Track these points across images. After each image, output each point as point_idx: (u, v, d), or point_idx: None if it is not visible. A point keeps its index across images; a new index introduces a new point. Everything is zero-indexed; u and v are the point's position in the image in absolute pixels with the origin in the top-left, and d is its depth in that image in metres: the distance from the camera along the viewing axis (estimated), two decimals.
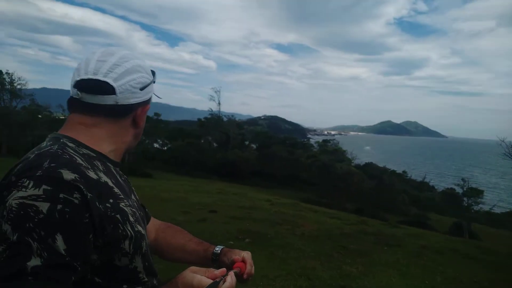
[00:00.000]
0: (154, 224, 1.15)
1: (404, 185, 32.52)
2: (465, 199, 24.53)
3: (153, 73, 0.96)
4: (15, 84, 28.11)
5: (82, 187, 0.68)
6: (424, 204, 28.17)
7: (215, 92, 42.71)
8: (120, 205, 0.78)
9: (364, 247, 6.59)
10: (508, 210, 29.00)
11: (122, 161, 0.95)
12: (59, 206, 0.64)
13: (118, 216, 0.75)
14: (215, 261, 1.04)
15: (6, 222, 0.62)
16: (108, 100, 0.83)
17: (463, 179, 25.27)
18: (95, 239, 0.70)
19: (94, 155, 0.81)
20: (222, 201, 12.14)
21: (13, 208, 0.63)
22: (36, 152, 0.74)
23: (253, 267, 1.00)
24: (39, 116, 30.33)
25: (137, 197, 0.99)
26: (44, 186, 0.65)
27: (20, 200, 0.63)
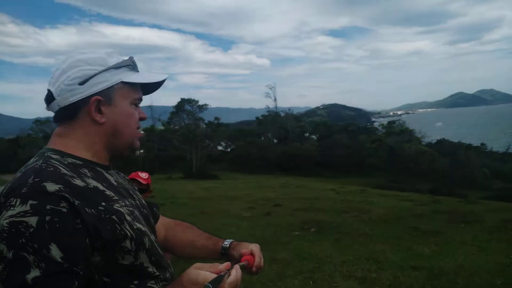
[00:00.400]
0: (163, 222, 1.16)
1: (484, 159, 29.79)
2: None
3: (135, 61, 0.91)
4: None
5: (68, 196, 0.70)
6: (510, 176, 25.56)
7: (270, 88, 43.03)
8: (115, 207, 0.79)
9: (437, 227, 6.24)
10: None
11: (117, 162, 0.95)
12: (47, 218, 0.66)
13: (113, 217, 0.76)
14: (224, 255, 1.04)
15: (1, 242, 0.64)
16: (54, 107, 0.84)
17: None
18: (93, 242, 0.71)
19: (80, 162, 0.82)
20: (286, 194, 12.25)
21: (5, 228, 0.65)
22: (22, 170, 0.77)
23: (262, 259, 0.98)
24: None
25: (139, 196, 1.00)
26: (30, 201, 0.67)
27: (10, 219, 0.65)
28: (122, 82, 0.86)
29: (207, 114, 38.25)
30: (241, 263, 0.87)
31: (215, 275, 0.70)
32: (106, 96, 0.84)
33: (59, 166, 0.77)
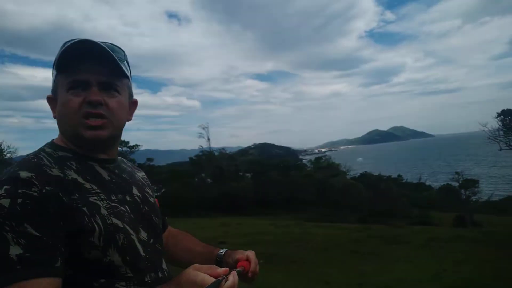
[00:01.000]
0: (168, 231, 1.18)
1: (401, 189, 32.82)
2: (462, 191, 24.92)
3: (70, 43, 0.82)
4: (5, 153, 28.15)
5: (37, 183, 0.72)
6: (424, 204, 28.43)
7: (203, 128, 43.10)
8: (90, 199, 0.79)
9: (373, 248, 6.78)
10: (506, 196, 29.39)
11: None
12: (19, 200, 0.69)
13: (84, 208, 0.76)
14: (219, 262, 1.06)
15: None
16: None
17: (457, 173, 25.79)
18: (65, 226, 0.73)
19: (70, 155, 0.85)
20: (228, 232, 12.20)
21: None
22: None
23: (258, 265, 0.99)
24: None
25: (144, 192, 0.99)
26: (5, 186, 0.71)
27: None
28: (57, 71, 0.85)
29: (138, 156, 36.93)
30: (237, 269, 0.87)
31: (212, 279, 0.71)
32: (54, 91, 0.87)
33: (44, 158, 0.81)
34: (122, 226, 0.81)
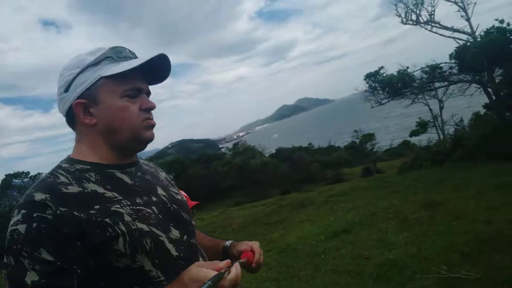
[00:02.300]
0: None
1: (314, 155, 35.58)
2: (365, 146, 28.14)
3: (121, 50, 0.88)
4: None
5: (51, 205, 0.73)
6: (336, 164, 31.34)
7: None
8: (112, 208, 0.79)
9: (283, 217, 7.61)
10: (402, 141, 33.63)
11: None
12: (34, 224, 0.70)
13: (107, 220, 0.76)
14: (225, 254, 1.09)
15: (6, 250, 0.71)
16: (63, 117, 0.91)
17: (355, 131, 28.92)
18: (84, 244, 0.73)
19: (88, 167, 0.85)
20: None
21: (7, 237, 0.72)
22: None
23: (262, 256, 1.01)
24: None
25: (169, 191, 0.99)
26: (22, 211, 0.72)
27: (9, 229, 0.72)
28: (103, 77, 0.84)
29: None
30: (241, 260, 0.90)
31: (215, 272, 0.72)
32: (89, 96, 0.85)
33: (60, 175, 0.81)
34: (148, 229, 0.81)
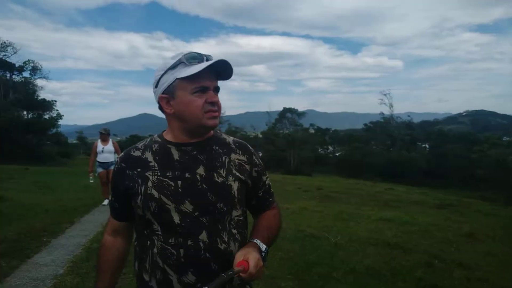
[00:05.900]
0: (262, 214, 1.29)
1: None
2: None
3: (190, 56, 1.06)
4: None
5: (120, 161, 1.15)
6: None
7: (385, 95, 42.57)
8: (145, 173, 1.09)
9: None
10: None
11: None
12: (115, 168, 1.16)
13: (139, 179, 1.08)
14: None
15: None
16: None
17: None
18: (126, 191, 1.11)
19: (160, 140, 1.15)
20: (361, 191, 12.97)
21: None
22: None
23: (258, 271, 0.99)
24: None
25: (211, 175, 1.09)
26: (118, 160, 1.18)
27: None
28: (177, 78, 1.05)
29: (327, 120, 41.80)
30: (237, 268, 0.95)
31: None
32: (169, 92, 1.08)
33: (146, 143, 1.17)
34: (157, 197, 1.05)
